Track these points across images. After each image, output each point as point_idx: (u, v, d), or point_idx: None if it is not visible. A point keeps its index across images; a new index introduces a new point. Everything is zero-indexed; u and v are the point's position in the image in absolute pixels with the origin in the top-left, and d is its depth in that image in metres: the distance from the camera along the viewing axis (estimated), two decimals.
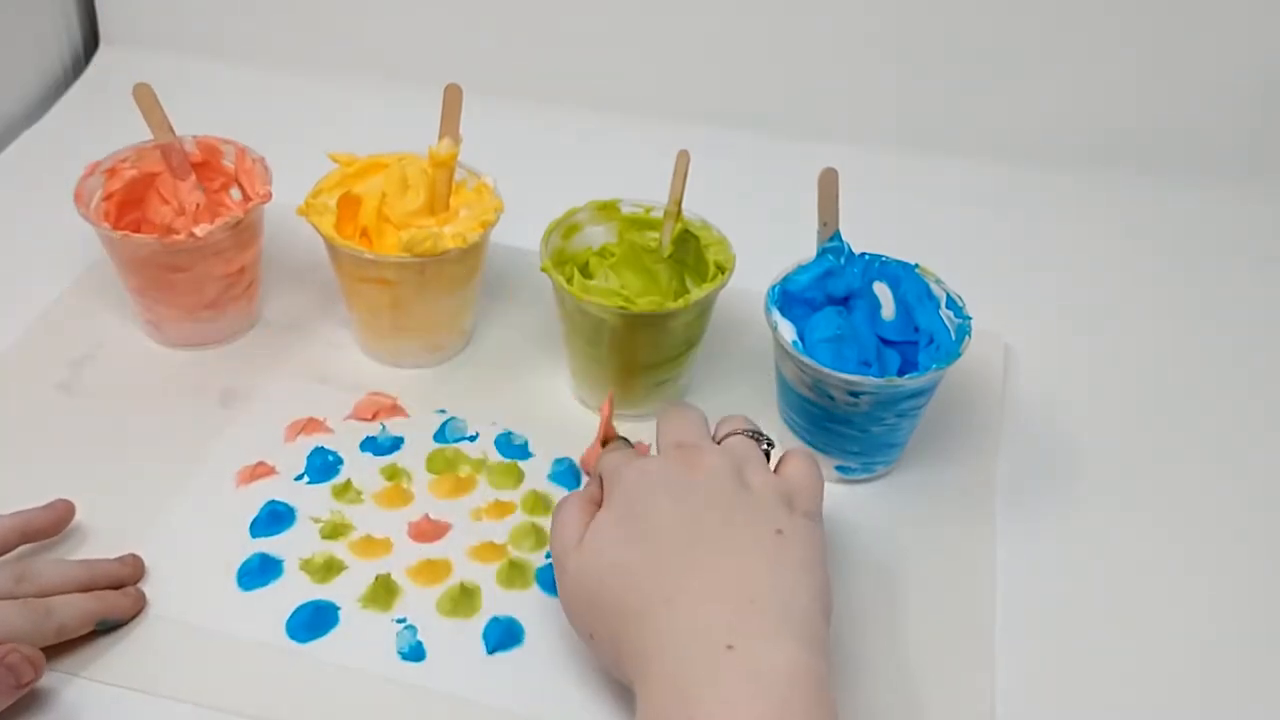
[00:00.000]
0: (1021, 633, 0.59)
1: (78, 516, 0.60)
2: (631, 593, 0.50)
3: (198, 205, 0.71)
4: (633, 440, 0.63)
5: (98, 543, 0.60)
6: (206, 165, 0.72)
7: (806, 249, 0.66)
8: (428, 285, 0.67)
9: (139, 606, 0.56)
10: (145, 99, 0.69)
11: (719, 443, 0.56)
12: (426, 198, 0.69)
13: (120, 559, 0.58)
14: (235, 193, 0.73)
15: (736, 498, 0.52)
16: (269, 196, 0.69)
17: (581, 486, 0.61)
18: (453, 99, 0.68)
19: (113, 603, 0.56)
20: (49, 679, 0.53)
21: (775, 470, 0.55)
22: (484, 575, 0.60)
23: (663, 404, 0.68)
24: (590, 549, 0.52)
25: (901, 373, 0.64)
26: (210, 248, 0.67)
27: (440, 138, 0.68)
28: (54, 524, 0.58)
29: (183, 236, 0.66)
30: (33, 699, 0.53)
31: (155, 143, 0.70)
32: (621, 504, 0.53)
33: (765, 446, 0.57)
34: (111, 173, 0.70)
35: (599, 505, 0.54)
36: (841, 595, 0.60)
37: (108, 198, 0.70)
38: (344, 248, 0.65)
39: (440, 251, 0.65)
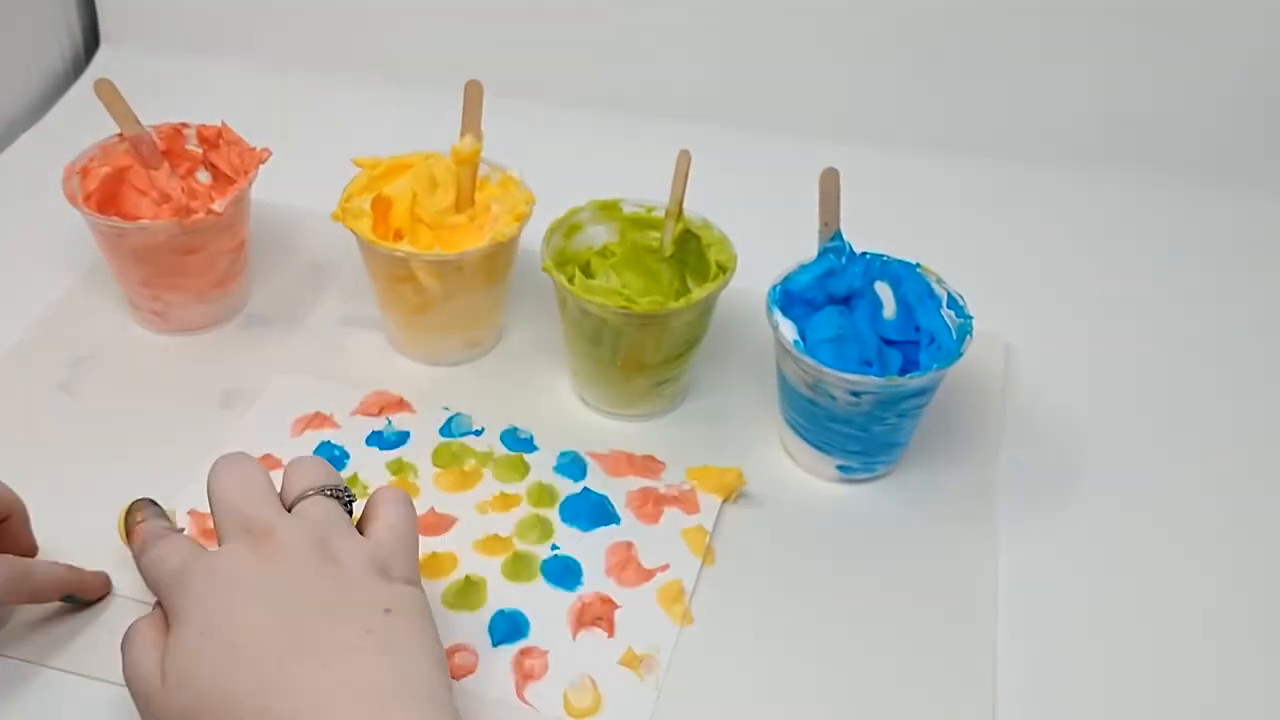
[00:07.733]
0: (1021, 633, 0.59)
1: (80, 516, 0.59)
2: None
3: (181, 189, 0.71)
4: (636, 445, 0.62)
5: (100, 542, 0.59)
6: (170, 153, 0.73)
7: (807, 249, 0.66)
8: (466, 282, 0.67)
9: (106, 589, 0.57)
10: (107, 94, 0.69)
11: (290, 509, 0.50)
12: (455, 195, 0.69)
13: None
14: (202, 174, 0.73)
15: (331, 581, 0.46)
16: (267, 153, 0.70)
17: (138, 546, 0.51)
18: (473, 96, 0.68)
19: (83, 578, 0.56)
20: (53, 679, 0.54)
21: (361, 530, 0.50)
22: (489, 568, 0.60)
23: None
24: (174, 683, 0.44)
25: (903, 372, 0.64)
26: (223, 222, 0.68)
27: (462, 134, 0.68)
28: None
29: (202, 215, 0.66)
30: (43, 699, 0.53)
31: (124, 136, 0.70)
32: (197, 618, 0.45)
33: (346, 501, 0.51)
34: (85, 173, 0.70)
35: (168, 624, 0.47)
36: (842, 594, 0.60)
37: (86, 198, 0.69)
38: (383, 249, 0.65)
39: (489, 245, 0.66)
